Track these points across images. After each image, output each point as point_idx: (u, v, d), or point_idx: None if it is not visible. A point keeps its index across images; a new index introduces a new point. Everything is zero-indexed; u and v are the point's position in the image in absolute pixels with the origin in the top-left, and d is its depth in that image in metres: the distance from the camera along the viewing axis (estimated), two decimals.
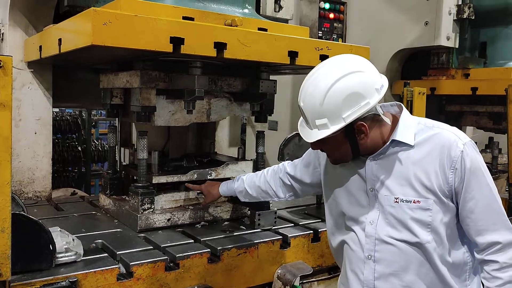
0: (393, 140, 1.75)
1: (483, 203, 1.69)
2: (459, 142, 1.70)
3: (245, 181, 2.43)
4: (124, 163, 3.13)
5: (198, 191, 2.70)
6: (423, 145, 1.74)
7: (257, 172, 2.47)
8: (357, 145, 1.75)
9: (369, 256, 1.81)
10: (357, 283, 1.86)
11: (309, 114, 1.71)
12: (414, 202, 1.71)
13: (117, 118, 3.03)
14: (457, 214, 1.73)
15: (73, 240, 2.11)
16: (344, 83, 1.64)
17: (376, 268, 1.79)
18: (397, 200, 1.74)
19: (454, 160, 1.68)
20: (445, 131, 1.76)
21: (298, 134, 3.65)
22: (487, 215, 1.69)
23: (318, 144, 1.77)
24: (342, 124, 1.66)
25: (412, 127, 1.77)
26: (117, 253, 2.16)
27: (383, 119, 1.76)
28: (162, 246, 2.29)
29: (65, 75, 3.24)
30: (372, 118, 1.73)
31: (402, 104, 1.86)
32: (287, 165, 2.32)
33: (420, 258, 1.74)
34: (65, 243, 2.04)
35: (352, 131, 1.71)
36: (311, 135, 1.73)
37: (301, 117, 1.80)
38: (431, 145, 1.73)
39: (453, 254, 1.75)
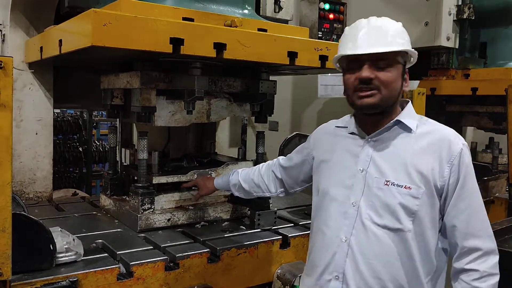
0: (397, 121, 1.75)
1: (474, 207, 1.70)
2: (460, 141, 1.72)
3: (239, 174, 2.42)
4: (125, 164, 3.14)
5: (193, 186, 2.69)
6: (423, 136, 1.74)
7: (253, 167, 2.47)
8: (401, 89, 1.76)
9: (345, 239, 1.75)
10: (325, 266, 1.79)
11: (393, 30, 1.72)
12: (405, 187, 1.68)
13: (117, 119, 3.05)
14: (438, 214, 1.72)
15: (73, 240, 2.12)
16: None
17: (348, 252, 1.73)
18: (387, 183, 1.71)
19: (453, 156, 1.68)
20: (445, 128, 1.79)
21: (298, 135, 3.67)
22: (475, 220, 1.69)
23: (382, 67, 1.69)
24: (411, 50, 1.73)
25: (416, 118, 1.79)
26: (117, 253, 2.17)
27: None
28: (162, 246, 2.30)
29: (66, 76, 3.25)
30: None
31: (409, 100, 1.86)
32: (281, 158, 2.31)
33: (396, 249, 1.69)
34: (66, 243, 2.05)
35: (404, 71, 1.76)
36: (393, 46, 1.68)
37: (358, 41, 1.70)
38: (431, 137, 1.73)
39: (429, 253, 1.72)
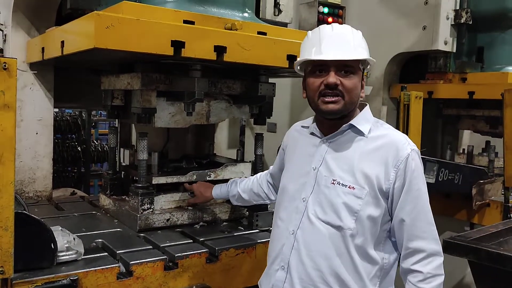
0: (350, 125, 1.84)
1: (419, 210, 1.76)
2: (408, 146, 1.79)
3: (238, 185, 2.50)
4: (124, 164, 3.16)
5: (190, 192, 2.72)
6: (374, 140, 1.82)
7: (251, 177, 2.55)
8: (359, 94, 1.84)
9: (292, 231, 1.85)
10: (275, 255, 1.91)
11: (356, 38, 1.80)
12: (349, 187, 1.77)
13: (117, 119, 3.07)
14: (385, 215, 1.78)
15: (74, 239, 2.14)
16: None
17: (294, 245, 1.83)
18: (334, 182, 1.80)
19: (399, 160, 1.75)
20: (397, 133, 1.87)
21: None
22: (420, 223, 1.76)
23: (346, 73, 1.78)
24: (371, 58, 1.81)
25: (370, 122, 1.87)
26: (117, 252, 2.20)
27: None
28: (161, 246, 2.33)
29: (66, 76, 3.27)
30: None
31: (368, 104, 1.95)
32: (271, 166, 2.40)
33: (338, 245, 1.76)
34: (66, 242, 2.07)
35: (362, 78, 1.84)
36: (358, 54, 1.77)
37: (324, 46, 1.77)
38: (381, 141, 1.81)
39: (371, 252, 1.77)
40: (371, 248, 1.78)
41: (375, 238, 1.78)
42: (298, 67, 1.93)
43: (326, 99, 1.78)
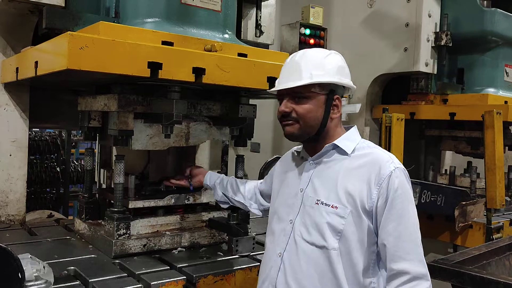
0: (334, 144, 1.87)
1: (403, 230, 1.70)
2: (391, 164, 1.77)
3: (228, 180, 2.54)
4: (103, 185, 3.08)
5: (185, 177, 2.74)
6: (358, 159, 1.82)
7: (242, 179, 2.58)
8: (327, 117, 1.85)
9: (279, 254, 1.86)
10: (264, 279, 1.92)
11: (308, 63, 1.82)
12: (332, 207, 1.76)
13: (95, 141, 2.99)
14: (371, 236, 1.74)
15: (43, 267, 2.04)
16: (337, 56, 1.90)
17: (280, 267, 1.84)
18: (318, 202, 1.80)
19: (382, 178, 1.73)
20: (382, 152, 1.86)
21: (278, 158, 3.67)
22: (404, 243, 1.69)
23: (299, 99, 1.83)
24: (335, 80, 1.81)
25: (355, 142, 1.88)
26: (90, 280, 2.10)
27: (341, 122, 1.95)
28: (136, 273, 2.23)
29: (44, 95, 3.21)
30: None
31: (356, 126, 1.97)
32: (261, 180, 2.45)
33: (322, 266, 1.74)
34: (35, 270, 1.97)
35: (330, 100, 1.85)
36: (302, 80, 1.80)
37: (281, 76, 1.92)
38: (364, 160, 1.80)
39: (357, 274, 1.73)
40: (358, 271, 1.73)
41: (362, 260, 1.74)
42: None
43: (283, 123, 1.90)
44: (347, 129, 1.94)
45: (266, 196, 2.35)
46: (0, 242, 2.15)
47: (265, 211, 2.38)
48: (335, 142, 1.87)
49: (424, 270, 1.70)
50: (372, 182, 1.74)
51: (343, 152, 1.86)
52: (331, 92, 1.85)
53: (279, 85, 1.89)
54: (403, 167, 1.80)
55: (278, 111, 1.90)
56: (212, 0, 2.51)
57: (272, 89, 1.93)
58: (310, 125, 1.85)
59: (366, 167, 1.78)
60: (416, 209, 1.76)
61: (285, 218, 1.90)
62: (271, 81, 2.41)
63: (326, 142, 1.88)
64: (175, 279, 2.19)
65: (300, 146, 2.09)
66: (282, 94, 1.89)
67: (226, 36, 2.58)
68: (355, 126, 1.97)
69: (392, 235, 1.70)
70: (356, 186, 1.75)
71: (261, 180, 2.45)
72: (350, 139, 1.89)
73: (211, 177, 2.62)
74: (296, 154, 2.08)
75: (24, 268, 1.89)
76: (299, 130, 1.86)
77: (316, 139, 1.89)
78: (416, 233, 1.73)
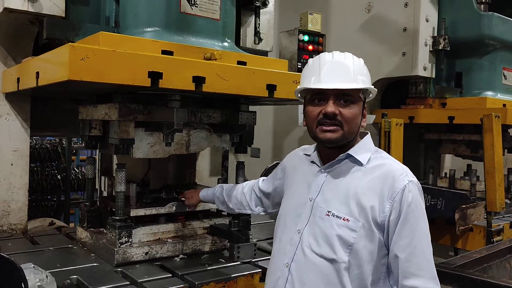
0: (348, 154, 1.79)
1: (415, 246, 1.65)
2: (405, 177, 1.71)
3: (224, 189, 2.49)
4: (104, 193, 3.09)
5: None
6: (372, 171, 1.76)
7: (238, 184, 2.54)
8: (360, 124, 1.80)
9: (287, 264, 1.80)
10: (272, 287, 1.86)
11: (355, 67, 1.75)
12: (343, 219, 1.70)
13: (96, 149, 3.00)
14: (382, 249, 1.70)
15: (46, 276, 2.05)
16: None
17: (288, 278, 1.78)
18: (329, 214, 1.74)
19: (395, 192, 1.67)
20: (396, 164, 1.79)
21: (278, 163, 3.68)
22: (417, 259, 1.64)
23: (345, 102, 1.74)
24: (372, 87, 1.77)
25: (370, 151, 1.82)
26: None
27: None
28: (139, 281, 2.25)
29: (45, 104, 3.22)
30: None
31: (369, 133, 1.91)
32: (261, 180, 2.36)
33: (331, 279, 1.69)
34: (38, 280, 1.99)
35: (363, 108, 1.80)
36: (358, 84, 1.73)
37: (322, 74, 1.75)
38: (379, 172, 1.74)
39: (366, 286, 1.69)
40: (368, 284, 1.69)
41: (372, 273, 1.69)
42: (299, 95, 1.89)
43: (324, 128, 1.75)
44: (361, 135, 1.87)
45: (267, 197, 2.28)
46: (3, 251, 2.17)
47: (269, 208, 2.32)
48: (350, 152, 1.79)
49: (436, 286, 1.66)
50: (385, 196, 1.68)
51: (357, 162, 1.78)
52: (365, 99, 1.81)
53: (326, 84, 1.72)
54: (417, 180, 1.75)
55: (317, 112, 1.75)
56: (211, 9, 2.53)
57: (320, 86, 1.72)
58: (353, 131, 1.77)
59: (379, 179, 1.71)
60: (428, 223, 1.71)
61: (293, 228, 1.83)
62: (271, 88, 2.43)
63: (345, 150, 1.80)
64: (177, 286, 2.20)
65: (307, 146, 2.03)
66: (322, 94, 1.75)
67: (226, 44, 2.60)
68: (369, 133, 1.89)
69: (404, 251, 1.64)
70: (369, 199, 1.69)
71: (262, 179, 2.36)
72: (365, 148, 1.82)
73: (208, 193, 2.58)
74: (304, 156, 2.00)
75: (27, 278, 1.90)
76: (341, 136, 1.75)
77: (345, 145, 1.80)
78: (428, 249, 1.68)
